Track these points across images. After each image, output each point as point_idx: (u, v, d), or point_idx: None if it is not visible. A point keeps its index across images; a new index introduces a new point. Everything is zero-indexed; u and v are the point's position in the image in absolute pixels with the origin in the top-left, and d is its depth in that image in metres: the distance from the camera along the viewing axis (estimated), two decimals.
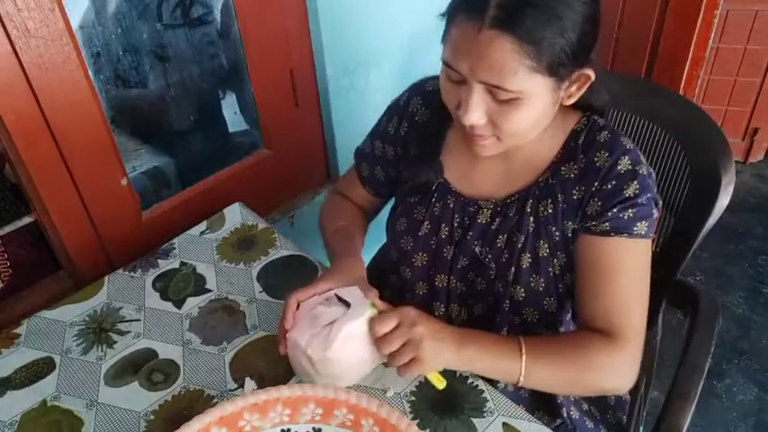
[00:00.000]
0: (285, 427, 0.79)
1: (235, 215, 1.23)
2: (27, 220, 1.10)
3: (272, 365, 0.90)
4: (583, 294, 0.86)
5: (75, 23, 1.22)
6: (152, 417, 0.85)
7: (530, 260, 0.89)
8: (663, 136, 1.08)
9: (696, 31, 1.90)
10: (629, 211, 0.82)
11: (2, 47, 0.92)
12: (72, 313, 1.03)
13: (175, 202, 1.30)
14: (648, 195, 0.83)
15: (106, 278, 1.09)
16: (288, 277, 1.08)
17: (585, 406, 1.01)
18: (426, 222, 0.96)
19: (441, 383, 0.80)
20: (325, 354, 0.78)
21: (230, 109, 1.95)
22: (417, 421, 0.81)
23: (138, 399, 0.88)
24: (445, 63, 0.78)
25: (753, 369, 1.89)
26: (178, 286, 1.07)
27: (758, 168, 2.71)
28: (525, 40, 0.70)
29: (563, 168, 0.87)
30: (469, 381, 0.86)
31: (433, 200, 0.96)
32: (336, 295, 0.84)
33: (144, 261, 1.13)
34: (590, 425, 0.99)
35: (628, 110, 1.12)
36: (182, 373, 0.91)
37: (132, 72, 1.69)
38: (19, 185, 1.08)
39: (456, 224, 0.94)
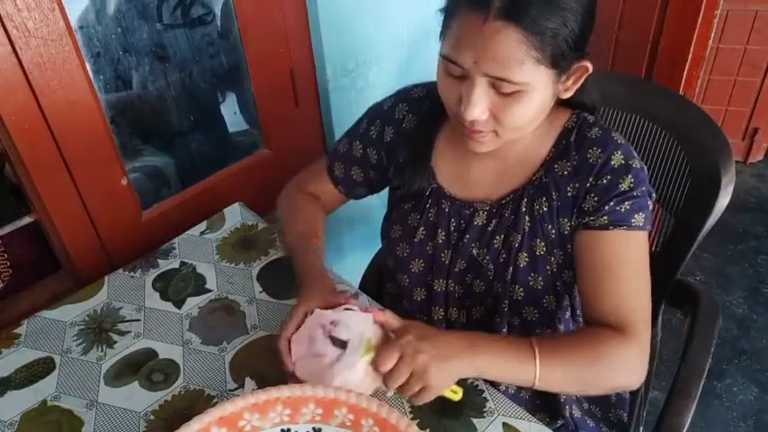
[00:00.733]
0: (285, 427, 0.79)
1: (235, 215, 1.23)
2: (27, 220, 1.10)
3: (272, 365, 0.90)
4: (589, 292, 0.85)
5: (75, 23, 1.22)
6: (152, 417, 0.85)
7: (527, 259, 0.89)
8: (663, 136, 1.08)
9: (696, 31, 1.91)
10: (626, 203, 0.82)
11: (2, 47, 0.92)
12: (72, 313, 1.03)
13: (175, 202, 1.30)
14: (643, 188, 0.83)
15: (106, 278, 1.09)
16: (288, 277, 1.07)
17: (586, 405, 1.01)
18: (421, 228, 0.96)
19: (456, 396, 0.80)
20: None
21: (230, 109, 1.95)
22: (417, 421, 0.81)
23: (138, 399, 0.88)
24: (446, 58, 0.77)
25: (753, 369, 1.89)
26: (178, 286, 1.07)
27: (758, 168, 2.71)
28: (531, 30, 0.70)
29: (556, 166, 0.87)
30: (469, 381, 0.86)
31: (428, 206, 0.96)
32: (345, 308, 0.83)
33: (144, 261, 1.13)
34: (591, 424, 0.99)
35: (628, 110, 1.12)
36: (182, 373, 0.91)
37: (132, 72, 1.69)
38: (19, 185, 1.08)
39: (452, 228, 0.94)
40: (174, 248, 1.15)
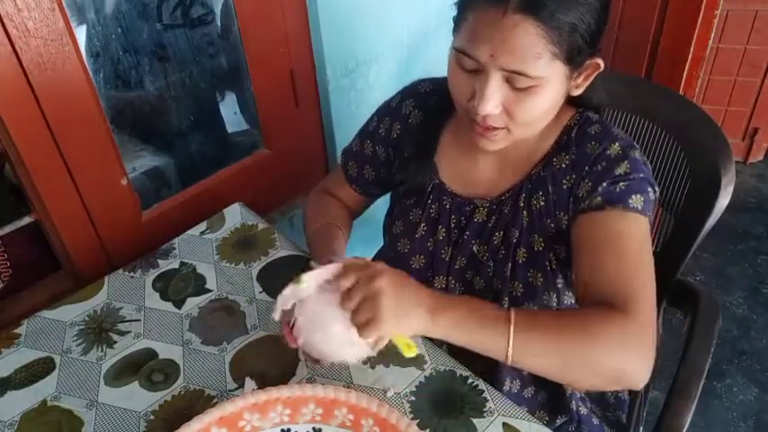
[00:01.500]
0: (285, 427, 0.79)
1: (235, 215, 1.23)
2: (27, 220, 1.10)
3: (272, 365, 0.90)
4: (584, 274, 0.79)
5: (75, 23, 1.22)
6: (152, 417, 0.85)
7: (525, 255, 0.89)
8: (663, 136, 1.08)
9: (696, 31, 1.90)
10: (621, 184, 0.80)
11: (2, 47, 0.92)
12: (72, 313, 1.03)
13: (175, 202, 1.30)
14: (641, 175, 0.80)
15: (106, 278, 1.09)
16: (288, 277, 1.07)
17: (588, 404, 1.01)
18: (423, 224, 0.96)
19: (409, 351, 0.73)
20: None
21: (230, 109, 1.95)
22: (417, 421, 0.81)
23: (138, 399, 0.88)
24: (460, 51, 0.76)
25: (753, 369, 1.89)
26: (178, 286, 1.07)
27: (758, 168, 2.71)
28: (549, 24, 0.70)
29: (554, 160, 0.87)
30: (469, 381, 0.86)
31: (429, 201, 0.96)
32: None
33: (144, 261, 1.13)
34: (596, 421, 0.99)
35: (628, 110, 1.12)
36: (182, 373, 0.91)
37: (132, 72, 1.69)
38: (19, 185, 1.08)
39: (453, 225, 0.94)
40: (174, 248, 1.15)
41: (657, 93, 1.18)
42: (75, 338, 0.98)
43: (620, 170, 0.81)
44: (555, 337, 0.72)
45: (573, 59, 0.75)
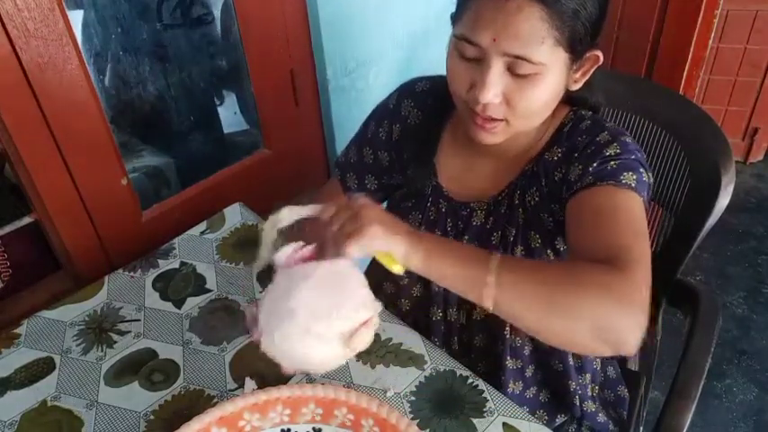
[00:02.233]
0: (285, 427, 0.79)
1: (235, 215, 1.23)
2: (27, 220, 1.10)
3: (272, 365, 0.90)
4: (575, 244, 0.76)
5: (75, 23, 1.22)
6: (152, 417, 0.85)
7: (522, 253, 0.89)
8: (663, 136, 1.08)
9: (696, 31, 1.91)
10: (612, 163, 0.78)
11: (2, 47, 0.92)
12: (72, 313, 1.03)
13: (175, 202, 1.30)
14: (633, 157, 0.79)
15: (106, 278, 1.09)
16: None
17: (595, 401, 1.00)
18: (422, 227, 0.95)
19: (396, 267, 0.70)
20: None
21: (230, 109, 1.95)
22: (417, 421, 0.81)
23: (138, 399, 0.88)
24: (461, 38, 0.76)
25: (753, 369, 1.89)
26: (178, 286, 1.07)
27: (758, 168, 2.71)
28: (553, 9, 0.71)
29: (546, 154, 0.87)
30: (469, 381, 0.86)
31: (428, 204, 0.96)
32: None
33: (144, 261, 1.13)
34: (600, 419, 0.99)
35: (628, 110, 1.12)
36: (182, 373, 0.91)
37: (132, 72, 1.69)
38: (19, 185, 1.08)
39: (449, 228, 0.94)
40: (174, 248, 1.15)
41: (657, 92, 1.18)
42: (75, 338, 0.98)
43: (610, 151, 0.79)
44: (541, 279, 0.68)
45: (574, 47, 0.75)
